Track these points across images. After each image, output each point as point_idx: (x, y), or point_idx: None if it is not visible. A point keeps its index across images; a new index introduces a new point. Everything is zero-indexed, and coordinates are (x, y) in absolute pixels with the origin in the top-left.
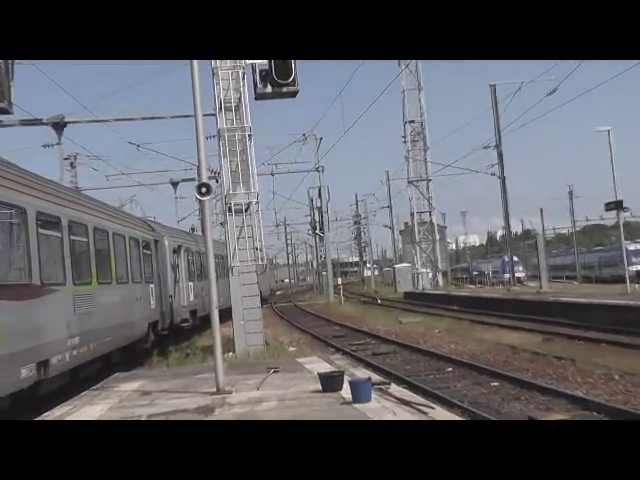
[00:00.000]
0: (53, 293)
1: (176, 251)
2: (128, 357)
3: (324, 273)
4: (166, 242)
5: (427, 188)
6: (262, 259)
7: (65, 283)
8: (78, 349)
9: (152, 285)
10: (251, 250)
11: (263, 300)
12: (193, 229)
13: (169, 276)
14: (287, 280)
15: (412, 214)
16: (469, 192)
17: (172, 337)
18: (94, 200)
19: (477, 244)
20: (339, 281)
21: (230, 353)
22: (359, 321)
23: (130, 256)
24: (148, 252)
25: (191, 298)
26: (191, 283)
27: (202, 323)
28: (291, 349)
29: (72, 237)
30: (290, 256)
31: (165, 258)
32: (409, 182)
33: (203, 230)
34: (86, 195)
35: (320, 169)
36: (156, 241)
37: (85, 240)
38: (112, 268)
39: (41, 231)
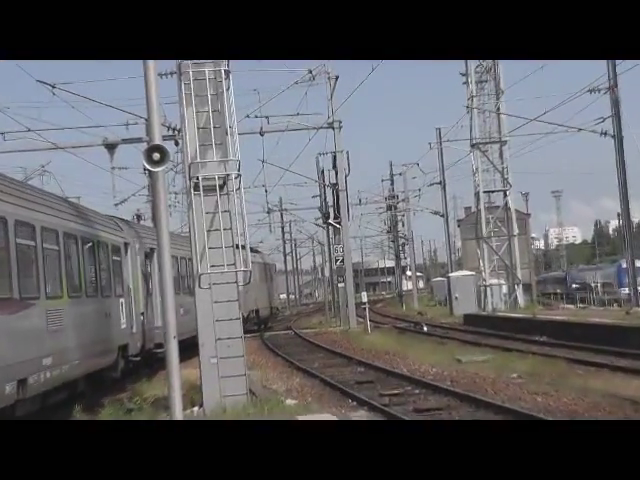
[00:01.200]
0: (30, 308)
1: (148, 256)
2: (94, 387)
3: (341, 285)
4: (137, 245)
5: (500, 155)
6: (246, 263)
7: (39, 297)
8: (51, 370)
9: (122, 299)
10: (229, 249)
11: (261, 323)
12: (139, 217)
13: (140, 288)
14: (284, 295)
15: (477, 194)
16: (565, 161)
17: (144, 365)
18: (58, 197)
19: (578, 241)
20: (364, 297)
21: (195, 408)
22: (395, 359)
23: (99, 264)
24: (117, 258)
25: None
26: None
27: (181, 350)
28: (289, 402)
29: (45, 245)
30: (289, 259)
31: (136, 265)
32: (473, 146)
33: (154, 218)
34: (40, 190)
35: (336, 125)
36: (126, 244)
37: (56, 248)
38: (81, 279)
39: (18, 240)
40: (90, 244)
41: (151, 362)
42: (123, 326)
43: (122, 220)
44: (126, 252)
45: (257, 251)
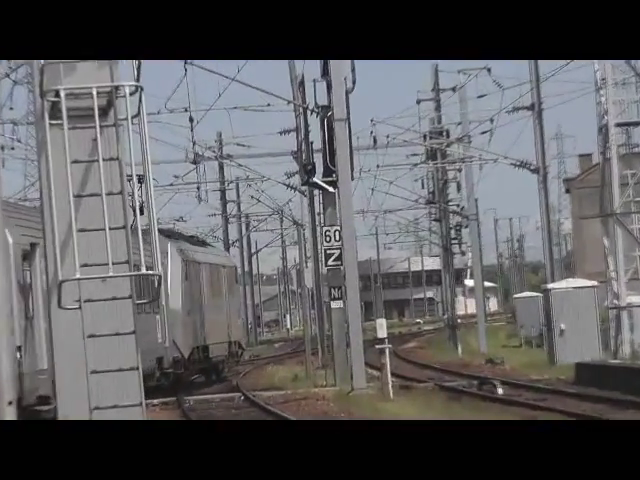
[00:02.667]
0: None
1: (28, 257)
2: None
3: (336, 305)
4: (10, 239)
5: None
6: (156, 253)
7: None
8: None
9: None
10: (118, 233)
11: (210, 370)
12: None
13: (15, 310)
14: (225, 317)
15: (604, 130)
16: None
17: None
18: None
19: None
20: (382, 328)
21: None
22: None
23: None
24: None
25: None
26: None
27: None
28: None
29: None
30: (243, 254)
31: (9, 272)
32: None
33: None
34: None
35: None
36: None
37: None
38: None
39: None
40: None
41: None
42: None
43: None
44: None
45: (203, 242)
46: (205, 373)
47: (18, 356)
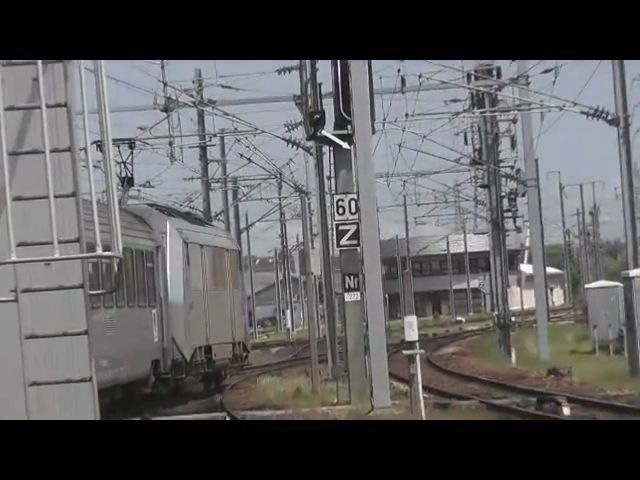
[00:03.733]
0: None
1: None
2: None
3: (351, 297)
4: None
5: None
6: (116, 228)
7: None
8: None
9: None
10: (66, 203)
11: (213, 375)
12: None
13: None
14: (229, 313)
15: None
16: None
17: None
18: None
19: None
20: (411, 328)
21: None
22: None
23: None
24: None
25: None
26: None
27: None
28: None
29: None
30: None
31: None
32: None
33: None
34: None
35: None
36: None
37: None
38: None
39: None
40: None
41: None
42: None
43: None
44: None
45: (201, 220)
46: (205, 380)
47: None
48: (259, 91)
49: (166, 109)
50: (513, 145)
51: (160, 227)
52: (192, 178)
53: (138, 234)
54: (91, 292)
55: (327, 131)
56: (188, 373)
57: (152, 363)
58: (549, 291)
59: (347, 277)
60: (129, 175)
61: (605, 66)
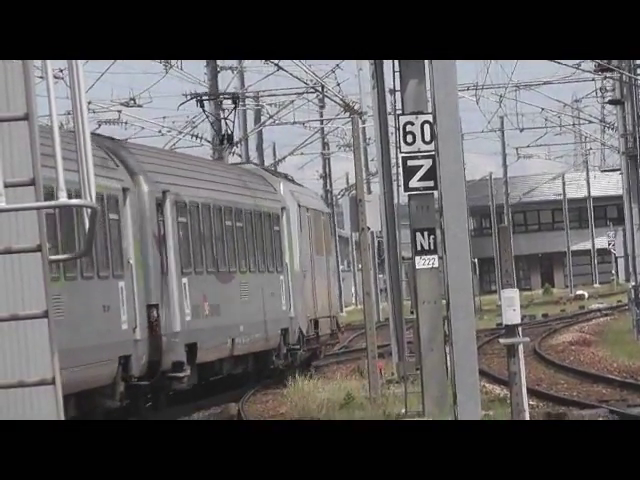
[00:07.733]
0: None
1: (161, 206)
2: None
3: (422, 263)
4: (145, 187)
5: None
6: (86, 168)
7: None
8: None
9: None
10: (18, 128)
11: (314, 351)
12: None
13: (150, 266)
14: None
15: None
16: None
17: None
18: None
19: None
20: (514, 303)
21: None
22: None
23: None
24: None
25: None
26: (185, 279)
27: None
28: None
29: None
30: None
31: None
32: None
33: None
34: None
35: None
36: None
37: None
38: None
39: None
40: None
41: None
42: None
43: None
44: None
45: (291, 179)
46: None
47: (155, 315)
48: None
49: None
50: None
51: (271, 189)
52: (196, 95)
53: (265, 195)
54: (52, 257)
55: None
56: (302, 348)
57: (281, 332)
58: None
59: (419, 234)
60: (229, 132)
61: None
